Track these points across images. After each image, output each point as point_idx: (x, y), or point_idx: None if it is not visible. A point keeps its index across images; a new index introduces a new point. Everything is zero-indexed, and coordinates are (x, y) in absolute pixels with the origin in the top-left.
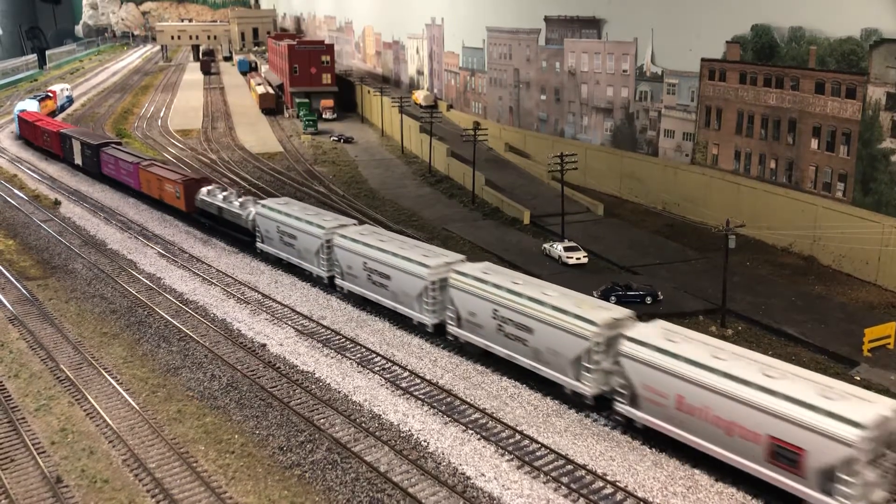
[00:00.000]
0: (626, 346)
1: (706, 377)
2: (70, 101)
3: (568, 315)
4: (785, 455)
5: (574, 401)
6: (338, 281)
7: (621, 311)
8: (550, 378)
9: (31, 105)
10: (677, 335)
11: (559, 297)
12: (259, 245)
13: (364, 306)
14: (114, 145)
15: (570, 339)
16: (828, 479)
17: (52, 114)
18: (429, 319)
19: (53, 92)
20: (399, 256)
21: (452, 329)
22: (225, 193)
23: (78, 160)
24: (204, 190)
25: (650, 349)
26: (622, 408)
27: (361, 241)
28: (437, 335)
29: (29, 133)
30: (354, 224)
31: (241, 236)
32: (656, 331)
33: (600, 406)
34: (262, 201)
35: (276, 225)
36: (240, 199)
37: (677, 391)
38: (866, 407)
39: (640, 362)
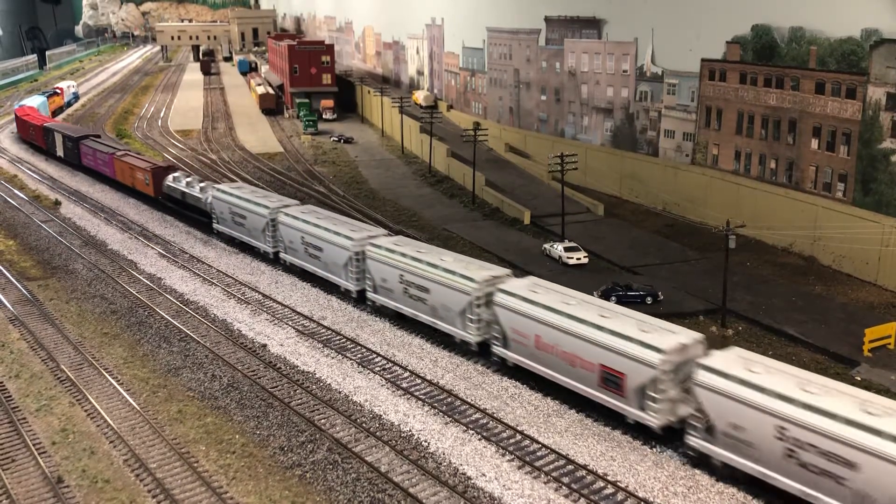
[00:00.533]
0: (498, 297)
1: (556, 319)
2: (76, 97)
3: (455, 275)
4: (612, 380)
5: (463, 348)
6: (282, 255)
7: (500, 271)
8: (444, 330)
9: (40, 101)
10: (541, 287)
11: (452, 261)
12: (215, 225)
13: (364, 308)
14: (92, 138)
15: (457, 296)
16: (642, 397)
17: (60, 109)
18: (352, 286)
19: (61, 89)
20: (330, 231)
21: (370, 295)
22: (188, 179)
23: (60, 152)
24: (170, 177)
25: (517, 298)
26: (497, 350)
27: (301, 219)
28: (360, 301)
29: (21, 128)
30: (297, 204)
31: (200, 218)
32: (524, 283)
33: (483, 352)
34: (218, 185)
35: (229, 206)
36: (200, 185)
37: (535, 332)
38: (670, 337)
39: (508, 310)
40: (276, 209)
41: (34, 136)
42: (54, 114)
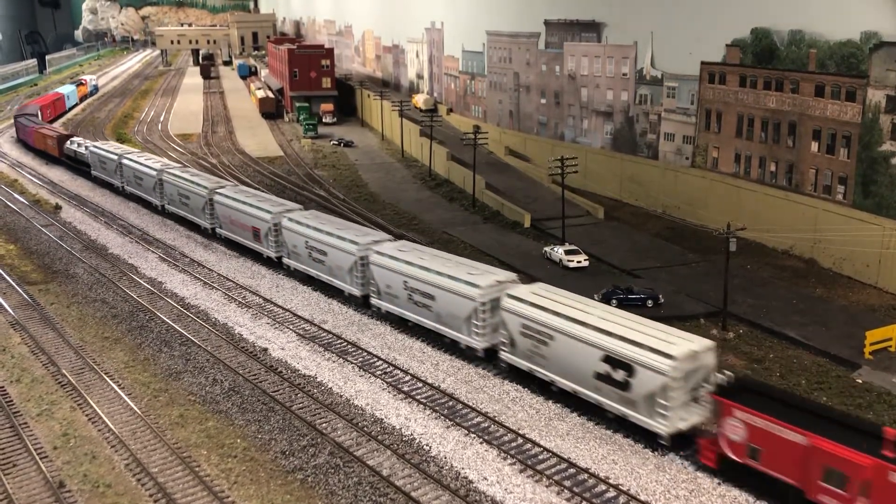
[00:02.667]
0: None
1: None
2: (96, 88)
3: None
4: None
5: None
6: (167, 207)
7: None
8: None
9: (70, 89)
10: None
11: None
12: (93, 172)
13: (365, 311)
14: (26, 116)
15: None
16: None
17: (86, 96)
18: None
19: (85, 80)
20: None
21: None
22: (83, 143)
23: (21, 135)
24: (68, 142)
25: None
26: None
27: (182, 177)
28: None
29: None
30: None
31: (85, 168)
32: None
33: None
34: (96, 143)
35: (98, 157)
36: (86, 146)
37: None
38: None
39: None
40: (161, 170)
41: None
42: (81, 99)
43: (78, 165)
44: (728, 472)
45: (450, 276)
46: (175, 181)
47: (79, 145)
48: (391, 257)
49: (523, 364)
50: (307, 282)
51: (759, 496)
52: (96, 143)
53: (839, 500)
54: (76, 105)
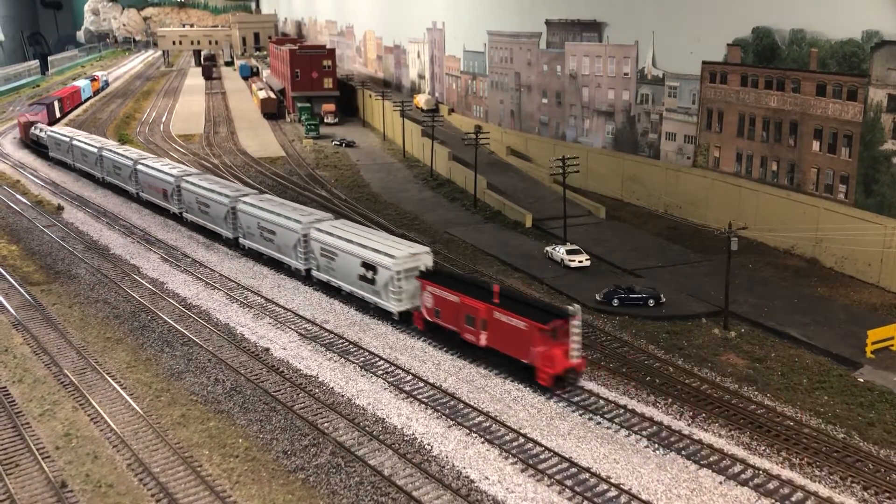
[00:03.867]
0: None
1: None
2: (107, 83)
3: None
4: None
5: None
6: (105, 178)
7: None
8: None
9: (85, 83)
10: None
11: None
12: (50, 153)
13: (365, 310)
14: (38, 105)
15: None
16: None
17: (98, 91)
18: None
19: (97, 76)
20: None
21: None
22: (44, 129)
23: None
24: (33, 127)
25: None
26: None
27: (121, 154)
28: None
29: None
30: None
31: (45, 151)
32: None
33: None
34: (54, 128)
35: (54, 140)
36: (46, 131)
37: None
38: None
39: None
40: (102, 147)
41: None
42: (95, 93)
43: (40, 148)
44: (429, 331)
45: (374, 250)
46: (113, 156)
47: (41, 130)
48: (328, 233)
49: (324, 276)
50: (309, 283)
51: (761, 495)
52: (53, 129)
53: (472, 334)
54: (91, 97)
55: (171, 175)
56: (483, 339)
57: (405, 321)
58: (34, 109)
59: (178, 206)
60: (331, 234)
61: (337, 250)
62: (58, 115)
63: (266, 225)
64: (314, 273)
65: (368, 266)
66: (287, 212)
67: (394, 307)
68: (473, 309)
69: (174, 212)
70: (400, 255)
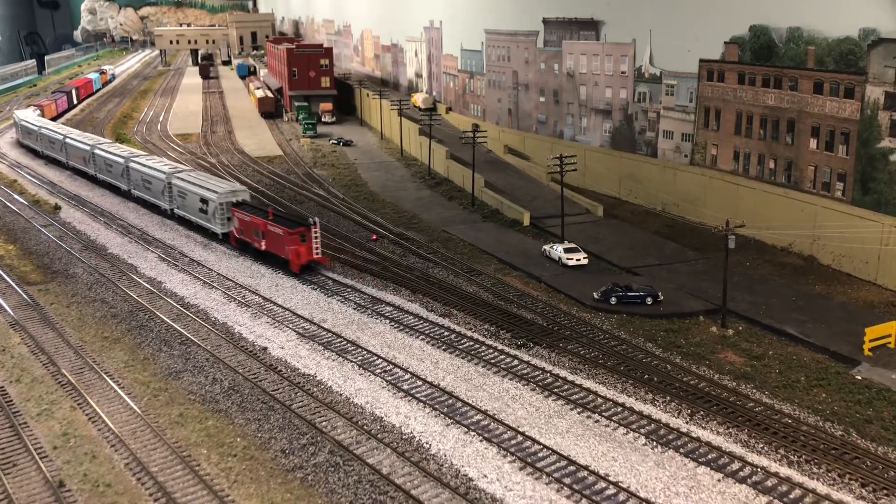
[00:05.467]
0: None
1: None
2: (113, 77)
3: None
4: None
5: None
6: (44, 152)
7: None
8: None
9: (95, 76)
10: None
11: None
12: (20, 140)
13: (364, 310)
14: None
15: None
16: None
17: (106, 83)
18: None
19: (105, 70)
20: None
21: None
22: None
23: None
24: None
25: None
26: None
27: (80, 141)
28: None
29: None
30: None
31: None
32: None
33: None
34: (23, 116)
35: (25, 128)
36: (17, 118)
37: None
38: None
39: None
40: (21, 120)
41: None
42: (104, 84)
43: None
44: (239, 247)
45: (206, 189)
46: (74, 143)
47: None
48: (182, 180)
49: (180, 213)
50: (309, 283)
51: (759, 492)
52: (23, 117)
53: (257, 242)
54: (101, 88)
55: (122, 157)
56: (263, 245)
57: (226, 240)
58: (55, 96)
59: (127, 185)
60: (184, 181)
61: (186, 192)
62: (75, 101)
63: (143, 174)
64: (176, 211)
65: (203, 200)
66: (154, 163)
67: (218, 229)
68: (257, 225)
69: (124, 189)
70: (222, 191)
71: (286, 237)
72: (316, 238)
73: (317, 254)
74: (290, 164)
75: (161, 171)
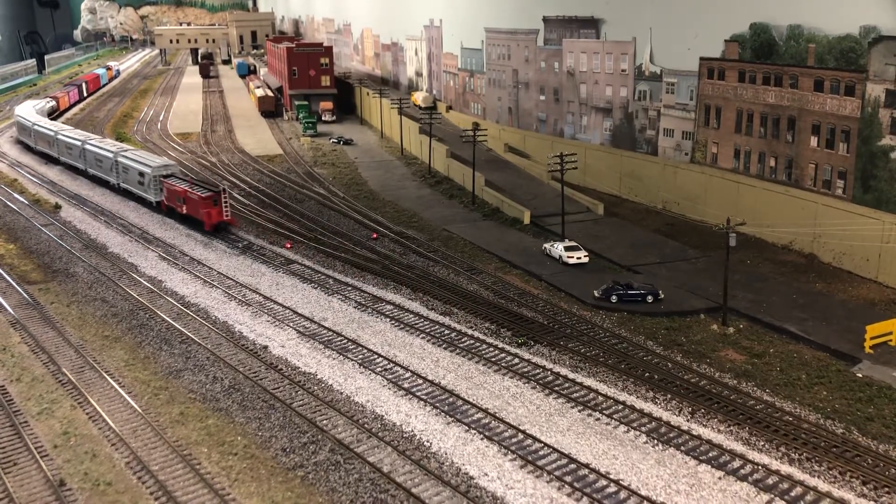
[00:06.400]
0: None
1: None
2: (118, 73)
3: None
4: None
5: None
6: (36, 146)
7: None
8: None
9: (102, 71)
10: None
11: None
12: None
13: (365, 309)
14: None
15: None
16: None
17: (112, 78)
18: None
19: (111, 66)
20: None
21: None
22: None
23: None
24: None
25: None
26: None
27: (46, 127)
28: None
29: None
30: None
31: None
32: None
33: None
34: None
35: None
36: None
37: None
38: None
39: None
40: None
41: None
42: (110, 80)
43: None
44: (168, 213)
45: (143, 164)
46: (40, 129)
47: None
48: (125, 157)
49: (124, 185)
50: (309, 281)
51: (760, 490)
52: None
53: (180, 207)
54: (108, 83)
55: (78, 140)
56: (184, 209)
57: (159, 207)
58: (68, 89)
59: (84, 164)
60: (127, 159)
61: (129, 167)
62: (85, 94)
63: (95, 154)
64: (121, 184)
65: (141, 174)
66: (104, 145)
67: (153, 198)
68: (180, 192)
69: (81, 168)
70: (155, 165)
71: (200, 202)
72: (226, 203)
73: (227, 216)
74: (290, 163)
75: (109, 151)
